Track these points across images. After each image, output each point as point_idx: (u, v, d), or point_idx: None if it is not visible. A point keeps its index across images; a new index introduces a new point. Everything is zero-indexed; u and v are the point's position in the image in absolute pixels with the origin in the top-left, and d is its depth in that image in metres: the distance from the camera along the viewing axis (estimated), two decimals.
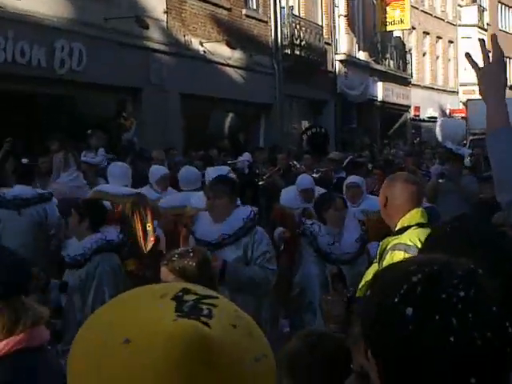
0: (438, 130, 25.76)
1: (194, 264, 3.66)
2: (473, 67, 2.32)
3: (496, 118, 2.23)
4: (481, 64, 2.33)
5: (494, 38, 2.33)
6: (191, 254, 3.73)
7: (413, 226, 4.20)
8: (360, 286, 4.18)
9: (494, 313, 1.12)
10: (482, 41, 2.37)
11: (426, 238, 2.13)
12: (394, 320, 1.13)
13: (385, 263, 4.07)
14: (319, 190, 8.14)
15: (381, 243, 4.37)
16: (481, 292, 1.14)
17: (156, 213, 7.14)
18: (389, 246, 4.18)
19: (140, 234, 6.77)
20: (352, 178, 8.06)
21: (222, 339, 1.10)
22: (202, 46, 17.93)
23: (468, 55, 2.38)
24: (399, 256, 3.96)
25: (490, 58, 2.29)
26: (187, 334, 1.07)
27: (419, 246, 3.84)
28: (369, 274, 4.33)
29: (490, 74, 2.26)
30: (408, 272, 1.17)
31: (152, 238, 6.78)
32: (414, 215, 4.25)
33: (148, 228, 6.80)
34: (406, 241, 4.09)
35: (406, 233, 4.18)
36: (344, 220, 6.25)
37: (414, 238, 4.07)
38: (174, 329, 1.08)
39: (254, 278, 5.25)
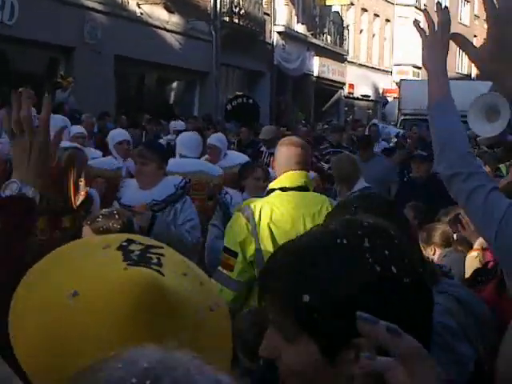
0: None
1: (119, 226, 3.62)
2: (420, 35, 2.29)
3: (438, 86, 2.21)
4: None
5: (438, 6, 2.28)
6: (116, 216, 3.69)
7: (276, 189, 4.19)
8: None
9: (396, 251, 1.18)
10: (425, 10, 2.36)
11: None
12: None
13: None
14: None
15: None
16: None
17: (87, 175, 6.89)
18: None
19: (71, 188, 6.53)
20: None
21: (175, 287, 1.06)
22: (139, 7, 17.53)
23: (416, 22, 2.38)
24: (237, 217, 4.07)
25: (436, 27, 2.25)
26: (143, 280, 1.02)
27: (258, 209, 4.01)
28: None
29: (434, 42, 2.23)
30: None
31: (82, 193, 6.52)
32: (282, 178, 4.21)
33: (80, 183, 6.52)
34: (250, 203, 4.13)
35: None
36: (263, 190, 6.13)
37: (257, 201, 4.12)
38: (127, 277, 1.03)
39: (182, 238, 5.11)
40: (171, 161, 6.60)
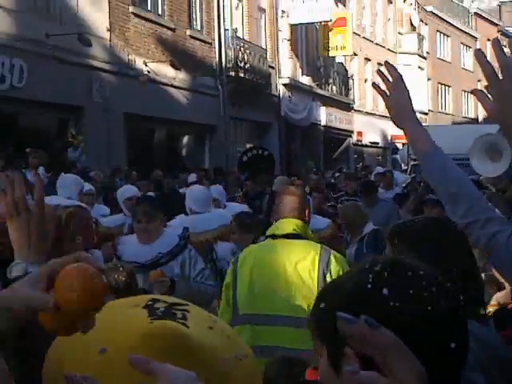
0: None
1: (124, 278, 3.74)
2: (381, 96, 2.33)
3: (422, 141, 2.23)
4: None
5: (385, 64, 2.35)
6: (121, 268, 3.82)
7: (268, 236, 4.33)
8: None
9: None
10: (379, 71, 2.42)
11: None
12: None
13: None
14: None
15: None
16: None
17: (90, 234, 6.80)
18: None
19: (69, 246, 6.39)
20: None
21: (200, 338, 1.08)
22: (146, 65, 17.78)
23: (375, 85, 2.43)
24: (231, 262, 4.34)
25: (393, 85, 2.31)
26: (166, 331, 1.05)
27: (244, 255, 4.28)
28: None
29: (399, 101, 2.28)
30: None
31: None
32: (274, 226, 4.33)
33: (77, 241, 6.33)
34: (245, 249, 4.39)
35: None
36: (238, 242, 6.14)
37: (249, 248, 4.41)
38: (151, 329, 1.06)
39: (197, 292, 5.08)
40: (187, 220, 6.52)
